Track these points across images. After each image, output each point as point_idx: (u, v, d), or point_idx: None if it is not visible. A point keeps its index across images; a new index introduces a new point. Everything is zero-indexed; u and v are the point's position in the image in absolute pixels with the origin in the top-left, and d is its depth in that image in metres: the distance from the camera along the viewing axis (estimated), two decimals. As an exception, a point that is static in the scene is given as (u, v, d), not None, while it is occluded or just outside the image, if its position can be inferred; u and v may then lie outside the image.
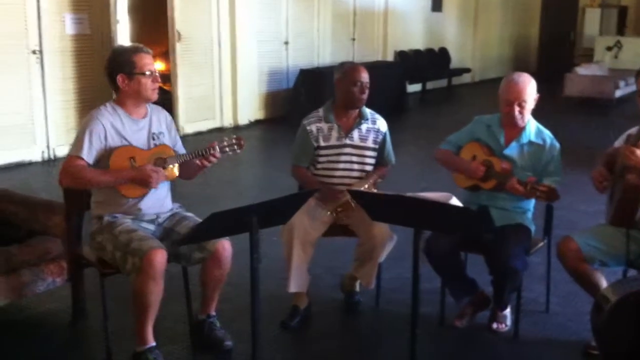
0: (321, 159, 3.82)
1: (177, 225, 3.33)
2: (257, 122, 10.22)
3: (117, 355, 3.29)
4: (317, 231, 3.71)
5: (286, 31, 10.55)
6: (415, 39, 13.72)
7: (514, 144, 3.54)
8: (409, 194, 2.67)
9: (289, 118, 9.95)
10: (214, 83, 9.53)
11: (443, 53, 14.38)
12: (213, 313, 3.47)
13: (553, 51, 17.24)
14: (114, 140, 3.20)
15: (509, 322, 3.64)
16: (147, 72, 3.21)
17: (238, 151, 3.35)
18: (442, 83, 14.14)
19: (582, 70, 13.00)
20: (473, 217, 2.79)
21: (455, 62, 14.65)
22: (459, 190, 3.59)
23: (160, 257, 3.02)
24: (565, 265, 3.33)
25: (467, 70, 14.93)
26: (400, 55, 13.11)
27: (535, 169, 3.50)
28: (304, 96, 9.94)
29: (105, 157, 3.18)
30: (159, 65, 10.16)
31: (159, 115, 3.41)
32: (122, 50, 3.31)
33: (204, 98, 9.44)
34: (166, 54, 9.18)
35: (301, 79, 10.12)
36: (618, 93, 12.26)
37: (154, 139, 3.32)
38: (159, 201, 3.35)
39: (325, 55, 11.40)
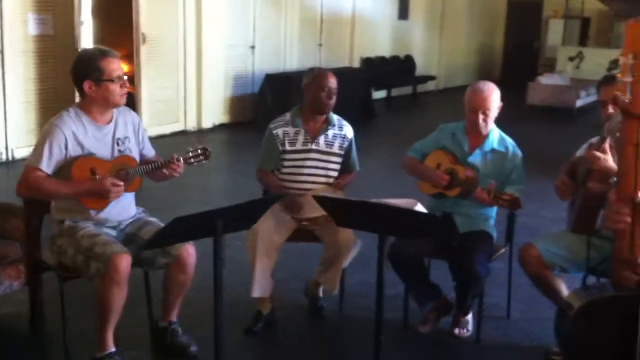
0: (286, 164, 3.81)
1: (140, 230, 3.29)
2: (221, 126, 10.17)
3: (76, 360, 3.24)
4: (281, 236, 3.69)
5: (253, 35, 10.53)
6: (381, 46, 13.81)
7: (477, 152, 3.58)
8: (374, 200, 2.68)
9: (255, 122, 9.95)
10: (178, 86, 9.46)
11: (408, 60, 14.50)
12: (175, 319, 3.42)
13: (517, 60, 17.54)
14: (75, 150, 3.12)
15: (471, 327, 3.67)
16: (116, 78, 3.13)
17: (204, 162, 3.31)
18: (408, 90, 14.25)
19: (545, 79, 13.23)
20: (437, 224, 2.80)
21: (420, 70, 14.78)
22: (424, 196, 3.62)
23: (125, 261, 2.98)
24: (527, 270, 3.37)
25: (432, 78, 15.08)
26: (367, 61, 13.18)
27: (499, 176, 3.53)
28: (270, 101, 9.93)
29: (66, 167, 3.11)
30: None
31: (126, 118, 3.34)
32: (89, 55, 3.19)
33: (168, 101, 9.36)
34: (130, 55, 9.07)
35: (267, 84, 10.11)
36: (579, 103, 12.51)
37: (118, 144, 3.25)
38: (122, 210, 3.29)
39: (292, 60, 11.40)
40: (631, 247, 2.25)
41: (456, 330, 3.64)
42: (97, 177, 3.10)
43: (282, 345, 3.66)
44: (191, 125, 9.72)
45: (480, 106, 3.50)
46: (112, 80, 3.12)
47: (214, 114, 10.04)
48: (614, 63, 14.85)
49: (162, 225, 3.24)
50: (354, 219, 2.85)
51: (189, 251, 3.22)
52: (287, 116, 3.88)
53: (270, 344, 3.68)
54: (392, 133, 10.68)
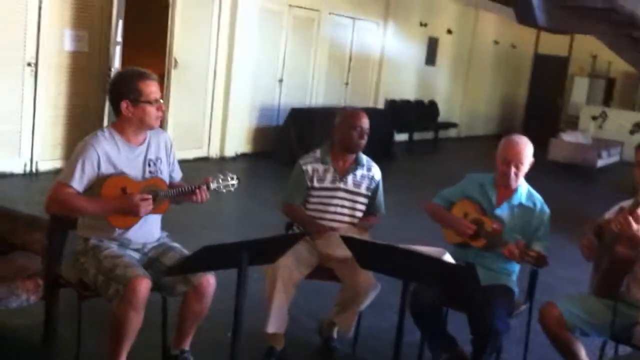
0: (313, 200, 3.82)
1: (163, 255, 3.29)
2: (243, 156, 10.22)
3: (87, 380, 3.23)
4: (301, 273, 3.68)
5: (282, 69, 10.64)
6: (406, 90, 13.89)
7: (505, 205, 3.57)
8: (402, 245, 2.67)
9: (276, 155, 10.02)
10: (205, 112, 9.55)
11: (432, 106, 14.56)
12: (187, 348, 3.39)
13: (539, 115, 17.54)
14: (107, 169, 3.14)
15: (485, 382, 3.61)
16: (153, 100, 3.16)
17: (232, 190, 3.34)
18: (429, 135, 14.28)
19: (567, 136, 13.22)
20: (462, 275, 2.78)
21: (443, 116, 14.83)
22: (443, 243, 3.59)
23: (144, 285, 2.98)
24: (546, 330, 3.33)
25: (454, 125, 15.12)
26: (391, 103, 13.25)
27: (524, 231, 3.51)
28: (293, 135, 9.98)
29: (96, 185, 3.12)
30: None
31: (159, 139, 3.36)
32: (128, 76, 3.22)
33: (193, 126, 9.44)
34: (159, 78, 9.14)
35: (292, 118, 10.17)
36: (600, 163, 12.47)
37: (149, 165, 3.27)
38: (147, 232, 3.30)
39: (317, 96, 11.49)
40: None
41: (470, 384, 3.58)
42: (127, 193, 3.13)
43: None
44: (214, 152, 9.78)
45: (514, 159, 3.49)
46: (149, 102, 3.16)
47: (237, 142, 10.11)
48: (638, 126, 14.88)
49: (185, 252, 3.28)
50: (379, 262, 2.84)
51: (210, 281, 3.20)
52: (317, 153, 3.90)
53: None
54: (413, 176, 10.67)
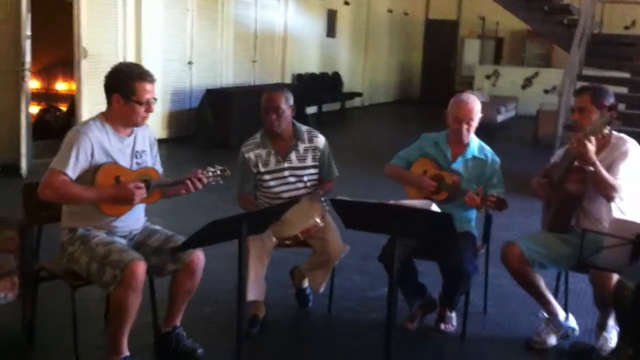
0: (264, 184, 3.91)
1: (149, 238, 3.38)
2: (160, 141, 10.07)
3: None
4: (272, 240, 3.80)
5: (190, 51, 10.60)
6: (311, 63, 14.11)
7: (460, 159, 3.86)
8: (391, 202, 2.87)
9: (195, 138, 10.03)
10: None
11: (336, 77, 14.86)
12: (178, 324, 3.50)
13: (435, 78, 18.25)
14: (100, 157, 3.19)
15: (454, 322, 3.92)
16: (145, 102, 3.22)
17: (221, 182, 3.42)
18: (336, 106, 14.59)
19: (466, 96, 13.85)
20: (446, 223, 2.98)
21: (347, 86, 15.18)
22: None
23: (142, 267, 3.06)
24: (508, 267, 3.65)
25: (359, 95, 15.50)
26: (298, 78, 13.43)
27: (480, 181, 3.81)
28: (210, 116, 10.01)
29: (90, 173, 3.16)
30: (34, 84, 9.68)
31: (144, 132, 3.44)
32: (128, 72, 3.25)
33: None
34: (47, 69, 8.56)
35: (207, 99, 10.18)
36: (500, 118, 13.18)
37: (137, 157, 3.33)
38: (135, 219, 3.37)
39: (227, 76, 11.51)
40: None
41: (442, 326, 3.88)
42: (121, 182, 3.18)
43: (283, 345, 3.82)
44: (131, 140, 9.63)
45: (465, 117, 3.78)
46: (139, 103, 3.21)
47: (154, 129, 9.98)
48: (528, 80, 15.83)
49: (168, 232, 3.40)
50: (365, 221, 3.02)
51: (200, 257, 3.32)
52: (257, 137, 3.95)
53: (268, 346, 3.78)
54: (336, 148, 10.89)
